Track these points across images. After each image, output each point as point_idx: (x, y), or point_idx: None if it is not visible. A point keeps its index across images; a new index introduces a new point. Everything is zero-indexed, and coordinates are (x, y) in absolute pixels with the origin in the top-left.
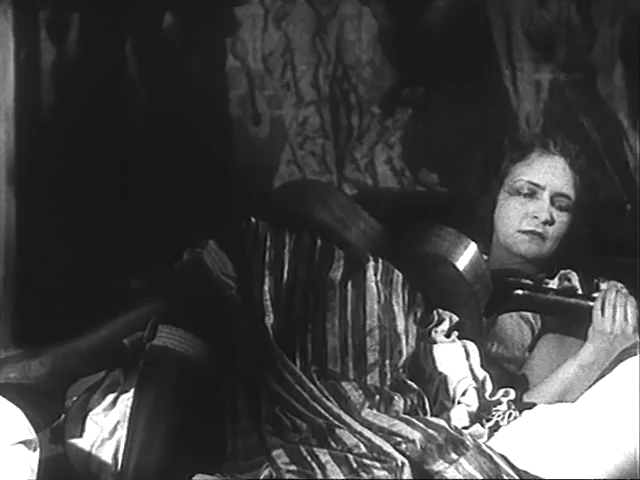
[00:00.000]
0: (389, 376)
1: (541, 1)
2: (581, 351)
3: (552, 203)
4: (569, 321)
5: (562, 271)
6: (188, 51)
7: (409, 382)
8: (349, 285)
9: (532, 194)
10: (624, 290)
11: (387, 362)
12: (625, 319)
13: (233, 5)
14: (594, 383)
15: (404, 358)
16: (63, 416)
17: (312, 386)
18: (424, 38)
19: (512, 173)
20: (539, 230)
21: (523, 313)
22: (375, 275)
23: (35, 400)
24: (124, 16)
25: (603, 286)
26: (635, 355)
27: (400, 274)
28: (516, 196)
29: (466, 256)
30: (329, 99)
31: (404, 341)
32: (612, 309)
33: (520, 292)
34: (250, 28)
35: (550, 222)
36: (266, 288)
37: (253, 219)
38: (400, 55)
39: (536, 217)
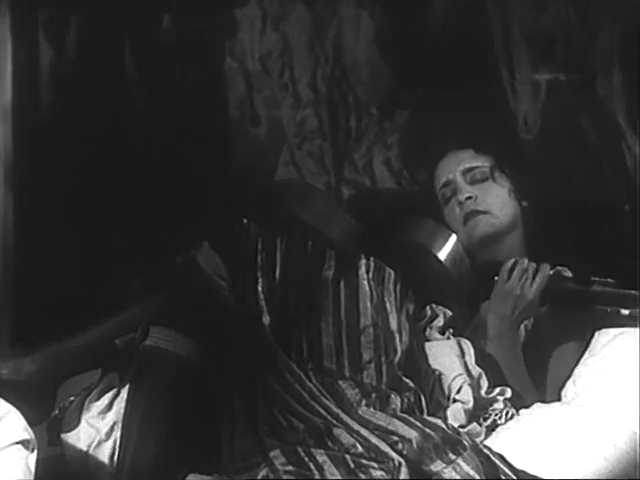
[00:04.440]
0: (385, 373)
1: (540, 2)
2: (488, 330)
3: (470, 182)
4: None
5: (557, 268)
6: (186, 52)
7: (405, 379)
8: (342, 284)
9: (453, 192)
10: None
11: (382, 359)
12: (531, 281)
13: (232, 7)
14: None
15: (399, 355)
16: (60, 416)
17: (310, 385)
18: (422, 39)
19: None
20: (470, 208)
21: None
22: (367, 273)
23: (26, 397)
24: (123, 17)
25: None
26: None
27: (392, 271)
28: (447, 204)
29: (445, 244)
30: (327, 100)
31: (398, 338)
32: (519, 273)
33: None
34: (248, 29)
35: (474, 197)
36: (260, 289)
37: (245, 220)
38: (398, 56)
39: (460, 202)
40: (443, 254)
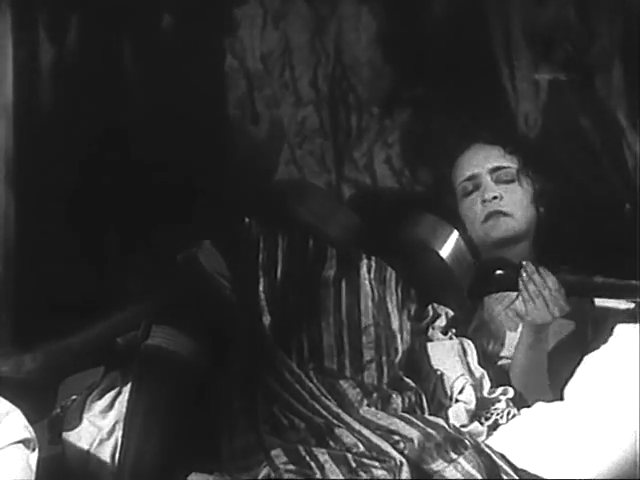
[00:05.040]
0: (386, 373)
1: (540, 1)
2: (522, 336)
3: (496, 181)
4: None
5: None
6: (187, 51)
7: (406, 379)
8: (343, 283)
9: (476, 186)
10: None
11: (384, 359)
12: (555, 300)
13: (232, 5)
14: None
15: (400, 355)
16: (61, 415)
17: (311, 384)
18: (423, 38)
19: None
20: (494, 208)
21: (519, 310)
22: (368, 273)
23: (27, 394)
24: (123, 16)
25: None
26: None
27: (393, 271)
28: (466, 197)
29: (445, 241)
30: (328, 99)
31: (399, 338)
32: (539, 297)
33: (501, 272)
34: (249, 28)
35: (499, 197)
36: (261, 288)
37: (247, 219)
38: (399, 55)
39: (485, 200)
40: (444, 251)
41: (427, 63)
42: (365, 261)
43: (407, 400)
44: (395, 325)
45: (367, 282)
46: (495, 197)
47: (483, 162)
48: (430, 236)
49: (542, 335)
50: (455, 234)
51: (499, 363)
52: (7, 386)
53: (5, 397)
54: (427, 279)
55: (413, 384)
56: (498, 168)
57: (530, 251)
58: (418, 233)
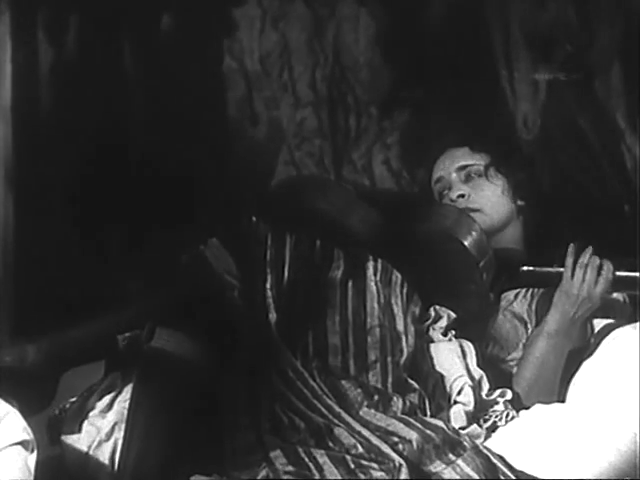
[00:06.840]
0: (390, 374)
1: (539, 1)
2: (547, 318)
3: (464, 180)
4: None
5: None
6: (186, 52)
7: (410, 381)
8: (349, 284)
9: (446, 188)
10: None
11: (388, 359)
12: (595, 282)
13: (231, 6)
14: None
15: (405, 356)
16: (61, 417)
17: (314, 383)
18: (422, 39)
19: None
20: (463, 206)
21: (517, 312)
22: (375, 275)
23: (29, 385)
24: (122, 17)
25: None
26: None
27: (398, 274)
28: (442, 200)
29: (470, 232)
30: (326, 100)
31: (404, 340)
32: (583, 271)
33: (525, 268)
34: (247, 29)
35: (466, 194)
36: (268, 286)
37: (254, 218)
38: (398, 56)
39: (452, 200)
40: (469, 241)
41: (426, 64)
42: (371, 263)
43: (408, 403)
44: (400, 327)
45: (373, 284)
46: (461, 195)
47: (450, 163)
48: (455, 227)
49: (568, 323)
50: (477, 226)
51: (499, 365)
52: (10, 376)
53: (7, 388)
54: (451, 269)
55: (417, 386)
56: (464, 167)
57: (521, 244)
58: (442, 224)
